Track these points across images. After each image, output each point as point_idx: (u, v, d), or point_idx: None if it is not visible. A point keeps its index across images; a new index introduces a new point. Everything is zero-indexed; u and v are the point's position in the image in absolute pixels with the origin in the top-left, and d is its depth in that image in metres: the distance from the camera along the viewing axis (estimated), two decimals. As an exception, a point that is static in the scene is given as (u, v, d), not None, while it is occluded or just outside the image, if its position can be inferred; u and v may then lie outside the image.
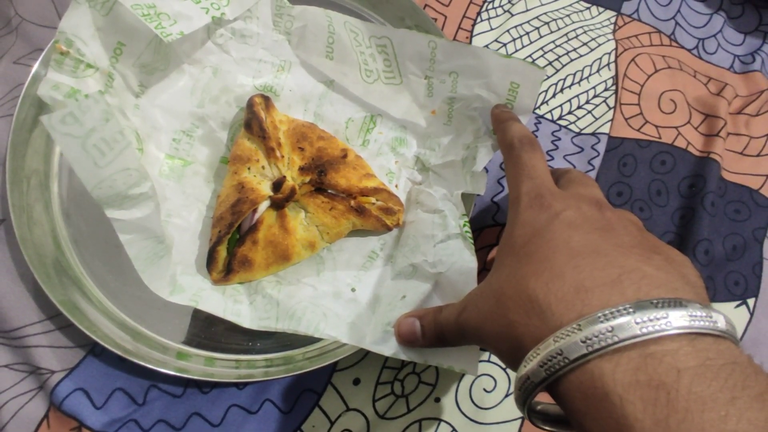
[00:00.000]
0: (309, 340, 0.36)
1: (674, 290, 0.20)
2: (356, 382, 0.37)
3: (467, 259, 0.34)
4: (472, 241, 0.35)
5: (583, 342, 0.19)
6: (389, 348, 0.33)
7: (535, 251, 0.24)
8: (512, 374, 0.38)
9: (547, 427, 0.24)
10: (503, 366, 0.38)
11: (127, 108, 0.38)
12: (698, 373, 0.17)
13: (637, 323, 0.19)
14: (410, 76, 0.40)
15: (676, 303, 0.19)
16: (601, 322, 0.19)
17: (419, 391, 0.38)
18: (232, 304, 0.36)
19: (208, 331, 0.37)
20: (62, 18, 0.35)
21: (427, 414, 0.37)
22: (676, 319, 0.19)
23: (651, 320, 0.19)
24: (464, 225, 0.36)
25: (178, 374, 0.34)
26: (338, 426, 0.36)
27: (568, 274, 0.22)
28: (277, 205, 0.37)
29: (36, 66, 0.39)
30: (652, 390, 0.17)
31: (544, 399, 0.23)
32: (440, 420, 0.37)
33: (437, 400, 0.37)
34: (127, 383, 0.36)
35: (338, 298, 0.37)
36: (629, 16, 0.50)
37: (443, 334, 0.29)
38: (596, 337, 0.19)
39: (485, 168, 0.43)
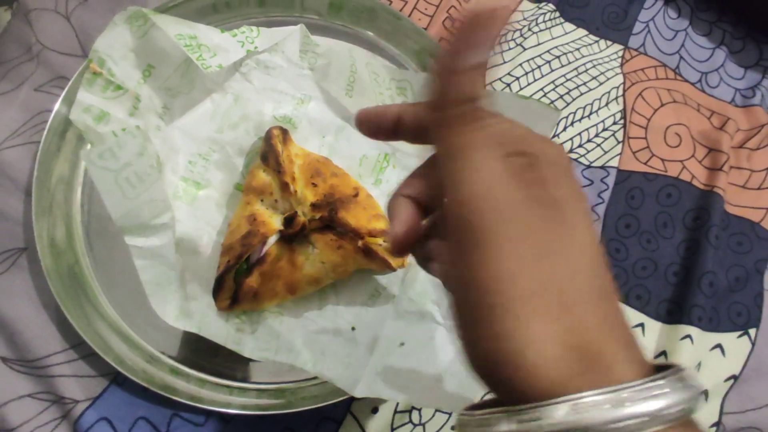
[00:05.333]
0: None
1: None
2: (375, 410, 0.38)
3: None
4: None
5: None
6: (380, 391, 0.33)
7: None
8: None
9: None
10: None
11: (150, 130, 0.39)
12: None
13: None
14: None
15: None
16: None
17: (435, 420, 0.39)
18: (234, 332, 0.37)
19: (231, 362, 0.38)
20: (99, 37, 0.36)
21: (443, 442, 0.38)
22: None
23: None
24: None
25: (199, 405, 0.35)
26: (357, 454, 0.37)
27: None
28: (287, 239, 0.38)
29: (61, 99, 0.40)
30: None
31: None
32: (456, 448, 0.38)
33: (453, 428, 0.38)
34: (149, 412, 0.36)
35: (338, 335, 0.38)
36: (636, 49, 0.52)
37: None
38: None
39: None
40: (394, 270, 0.39)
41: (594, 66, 0.50)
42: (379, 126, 0.24)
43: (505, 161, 0.17)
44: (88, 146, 0.38)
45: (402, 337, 0.37)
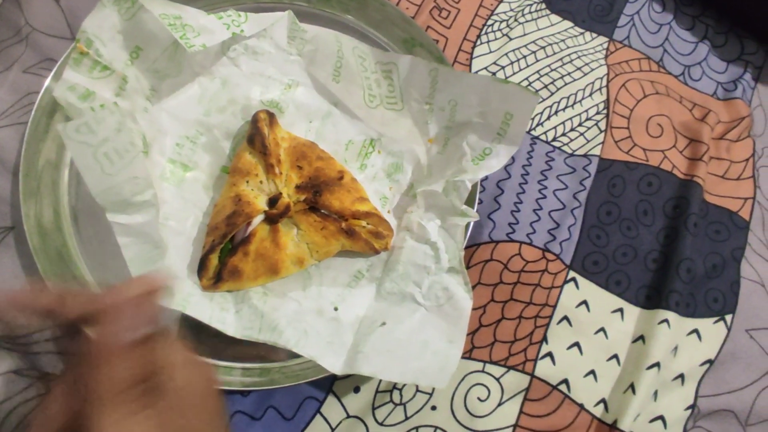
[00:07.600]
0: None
1: None
2: (356, 390, 0.39)
3: (462, 297, 0.37)
4: (467, 278, 0.37)
5: None
6: (361, 368, 0.34)
7: None
8: (505, 384, 0.40)
9: None
10: (496, 376, 0.40)
11: (136, 111, 0.40)
12: None
13: None
14: (412, 103, 0.42)
15: None
16: None
17: (416, 400, 0.39)
18: (219, 311, 0.37)
19: (216, 340, 0.38)
20: (86, 18, 0.37)
21: (423, 421, 0.39)
22: None
23: None
24: (460, 260, 0.38)
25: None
26: (339, 432, 0.38)
27: None
28: (271, 220, 0.38)
29: (48, 80, 0.40)
30: None
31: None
32: (436, 427, 0.39)
33: (434, 408, 0.39)
34: (134, 389, 0.37)
35: (321, 315, 0.38)
36: (620, 42, 0.52)
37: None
38: None
39: (482, 185, 0.45)
40: (377, 252, 0.40)
41: (579, 57, 0.50)
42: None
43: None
44: None
45: (383, 317, 0.37)
